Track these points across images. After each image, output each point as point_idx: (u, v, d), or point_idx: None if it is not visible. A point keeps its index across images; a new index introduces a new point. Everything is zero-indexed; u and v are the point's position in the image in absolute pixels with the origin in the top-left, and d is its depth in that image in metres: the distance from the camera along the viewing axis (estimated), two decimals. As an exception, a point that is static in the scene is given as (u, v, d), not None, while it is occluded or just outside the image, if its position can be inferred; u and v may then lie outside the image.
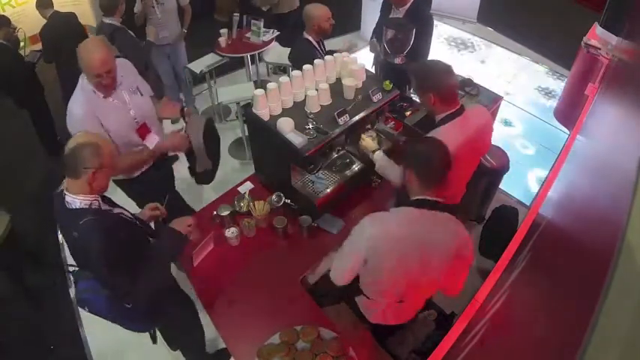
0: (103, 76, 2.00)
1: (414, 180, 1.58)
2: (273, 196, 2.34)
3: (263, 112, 2.15)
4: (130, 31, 3.49)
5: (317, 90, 2.23)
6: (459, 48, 5.72)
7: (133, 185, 2.45)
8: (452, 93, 1.94)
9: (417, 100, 2.99)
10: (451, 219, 1.58)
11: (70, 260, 3.11)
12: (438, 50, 5.59)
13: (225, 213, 2.25)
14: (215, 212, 2.29)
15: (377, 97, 2.32)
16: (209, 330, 2.00)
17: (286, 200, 2.30)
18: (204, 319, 2.00)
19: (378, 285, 1.71)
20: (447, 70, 1.91)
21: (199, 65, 4.21)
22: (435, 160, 1.54)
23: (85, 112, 2.06)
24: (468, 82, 3.24)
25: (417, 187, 1.57)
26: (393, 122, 2.70)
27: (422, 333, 2.12)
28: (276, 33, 4.40)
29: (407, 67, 2.06)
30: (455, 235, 1.56)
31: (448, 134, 1.85)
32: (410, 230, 1.53)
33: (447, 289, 1.71)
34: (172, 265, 2.96)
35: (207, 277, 2.12)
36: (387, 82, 2.43)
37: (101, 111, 2.10)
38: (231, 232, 2.19)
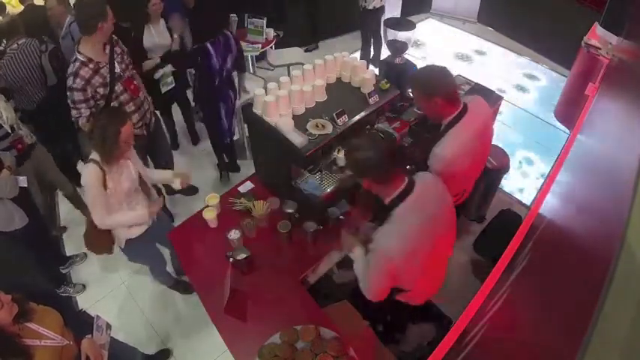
0: None
1: (374, 185, 1.58)
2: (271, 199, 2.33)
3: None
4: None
5: (313, 86, 2.24)
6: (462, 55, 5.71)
7: None
8: (456, 93, 1.93)
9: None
10: (432, 182, 1.68)
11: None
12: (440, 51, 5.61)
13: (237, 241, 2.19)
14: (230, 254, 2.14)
15: (374, 99, 2.33)
16: (209, 330, 1.99)
17: (290, 210, 2.26)
18: (205, 319, 2.00)
19: (421, 271, 1.71)
20: (445, 71, 1.89)
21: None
22: (373, 155, 1.51)
23: None
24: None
25: (382, 188, 1.58)
26: (398, 123, 2.70)
27: (422, 333, 2.12)
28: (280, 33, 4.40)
29: (409, 81, 1.96)
30: (444, 194, 1.70)
31: (460, 136, 1.89)
32: (414, 227, 1.55)
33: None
34: (173, 267, 2.98)
35: (208, 278, 2.12)
36: (384, 81, 2.43)
37: None
38: (233, 234, 2.18)
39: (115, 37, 2.61)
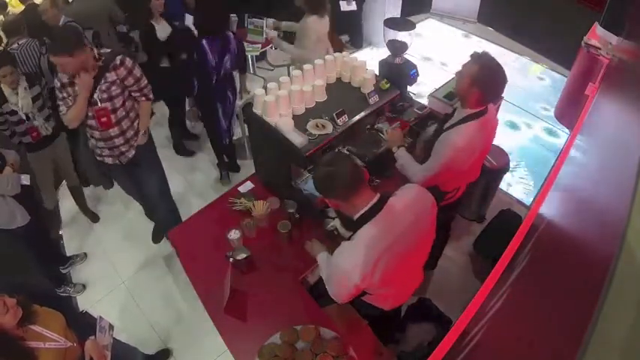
0: None
1: (341, 204, 1.55)
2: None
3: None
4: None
5: (312, 86, 2.25)
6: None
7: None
8: (494, 98, 1.98)
9: (417, 100, 3.00)
10: (412, 195, 1.61)
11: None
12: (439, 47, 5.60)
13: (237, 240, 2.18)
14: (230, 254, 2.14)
15: (374, 99, 2.33)
16: (209, 330, 1.99)
17: (290, 210, 2.26)
18: (205, 319, 2.00)
19: (379, 286, 1.70)
20: (505, 77, 1.88)
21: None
22: (338, 175, 1.48)
23: None
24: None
25: (350, 206, 1.53)
26: (398, 123, 2.70)
27: (422, 333, 2.12)
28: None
29: (472, 57, 1.91)
30: (425, 208, 1.63)
31: (474, 133, 1.95)
32: (374, 248, 1.50)
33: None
34: (174, 267, 2.99)
35: (208, 278, 2.12)
36: (384, 81, 2.43)
37: None
38: (233, 234, 2.18)
39: (118, 62, 2.43)
